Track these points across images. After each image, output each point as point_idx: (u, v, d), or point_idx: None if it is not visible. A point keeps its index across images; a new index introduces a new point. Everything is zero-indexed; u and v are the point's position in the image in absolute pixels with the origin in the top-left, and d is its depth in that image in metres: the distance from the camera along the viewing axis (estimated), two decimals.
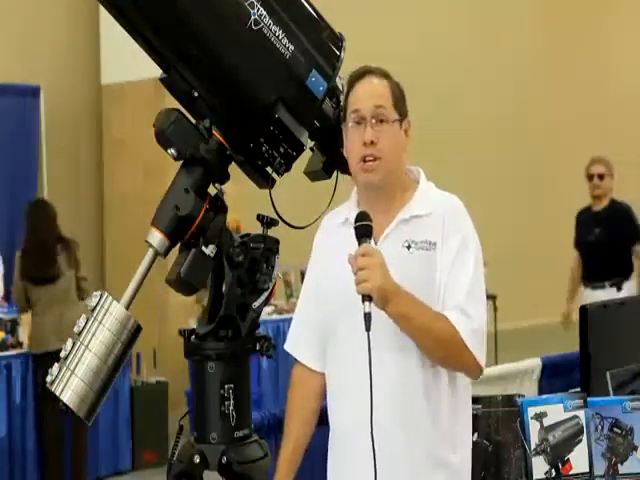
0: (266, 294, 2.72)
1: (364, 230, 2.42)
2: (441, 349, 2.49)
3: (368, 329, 2.29)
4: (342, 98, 2.65)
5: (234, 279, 2.62)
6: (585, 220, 7.73)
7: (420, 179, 2.66)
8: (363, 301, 2.33)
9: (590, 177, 7.57)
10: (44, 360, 6.24)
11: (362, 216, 2.44)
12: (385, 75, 2.61)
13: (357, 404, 2.47)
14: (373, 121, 2.54)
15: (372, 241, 2.45)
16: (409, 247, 2.54)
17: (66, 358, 2.41)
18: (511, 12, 12.30)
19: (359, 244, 2.41)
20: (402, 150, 2.61)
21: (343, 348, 2.57)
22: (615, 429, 3.14)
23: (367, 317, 2.30)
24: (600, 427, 3.14)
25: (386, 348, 2.46)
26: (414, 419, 2.52)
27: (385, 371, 2.45)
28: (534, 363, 4.58)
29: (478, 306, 2.53)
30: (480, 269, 2.56)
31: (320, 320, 2.67)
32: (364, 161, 2.54)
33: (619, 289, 7.25)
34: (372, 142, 2.53)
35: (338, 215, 2.69)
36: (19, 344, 6.50)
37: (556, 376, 4.47)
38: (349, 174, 2.71)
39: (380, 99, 2.57)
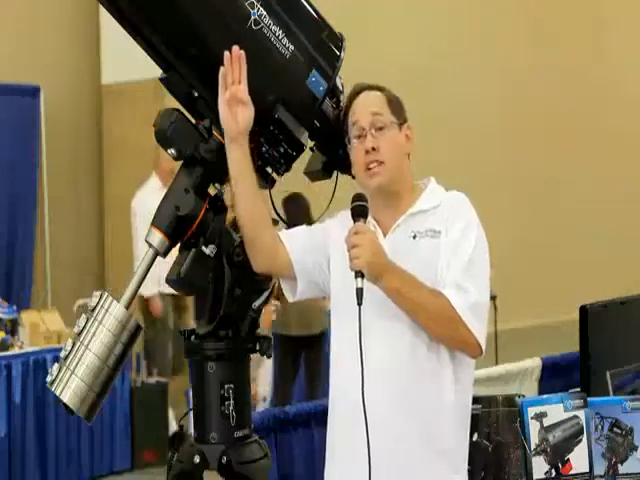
0: (266, 294, 2.72)
1: (359, 210, 2.51)
2: (437, 324, 2.52)
3: (360, 303, 2.39)
4: (342, 101, 2.68)
5: (234, 279, 2.62)
6: None
7: (430, 183, 2.71)
8: (356, 277, 2.43)
9: None
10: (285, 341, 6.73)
11: (358, 197, 2.53)
12: (379, 88, 2.68)
13: (351, 379, 2.49)
14: (372, 130, 2.59)
15: (367, 221, 2.52)
16: (415, 237, 2.60)
17: (66, 358, 2.41)
18: (512, 13, 12.31)
19: (354, 223, 2.49)
20: (404, 153, 2.65)
21: (345, 326, 2.59)
22: (615, 429, 3.15)
23: (359, 292, 2.41)
24: (600, 427, 3.14)
25: (377, 318, 2.52)
26: (404, 395, 2.53)
27: (376, 345, 2.50)
28: (534, 363, 4.55)
29: (477, 282, 2.55)
30: (481, 250, 2.58)
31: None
32: (369, 169, 2.59)
33: None
34: (373, 149, 2.58)
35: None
36: (19, 344, 6.48)
37: (556, 376, 4.45)
38: (349, 174, 2.72)
39: (375, 107, 2.62)
